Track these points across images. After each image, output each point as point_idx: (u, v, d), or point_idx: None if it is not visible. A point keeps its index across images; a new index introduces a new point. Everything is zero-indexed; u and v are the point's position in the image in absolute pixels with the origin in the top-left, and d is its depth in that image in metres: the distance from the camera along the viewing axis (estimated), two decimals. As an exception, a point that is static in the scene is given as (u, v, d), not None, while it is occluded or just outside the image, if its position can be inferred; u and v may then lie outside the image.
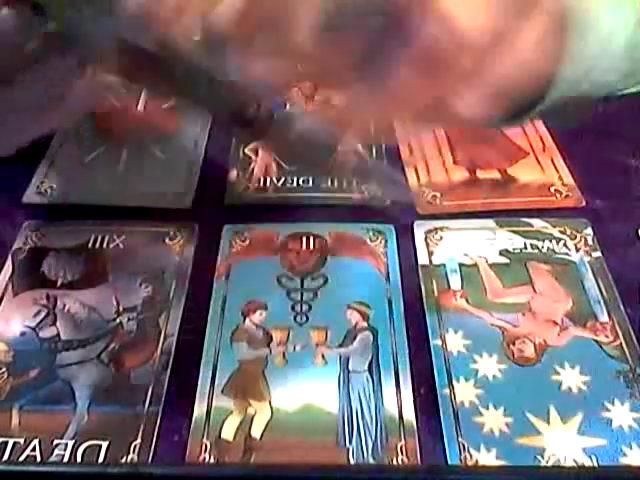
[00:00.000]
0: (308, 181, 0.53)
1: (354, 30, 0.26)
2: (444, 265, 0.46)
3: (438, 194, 0.51)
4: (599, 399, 0.38)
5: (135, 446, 0.36)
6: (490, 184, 0.52)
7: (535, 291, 0.44)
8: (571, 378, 0.39)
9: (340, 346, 0.41)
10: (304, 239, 0.48)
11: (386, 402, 0.38)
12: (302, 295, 0.44)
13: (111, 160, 0.54)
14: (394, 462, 0.36)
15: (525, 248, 0.47)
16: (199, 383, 0.39)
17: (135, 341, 0.42)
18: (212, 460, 0.36)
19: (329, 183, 0.53)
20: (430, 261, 0.47)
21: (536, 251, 0.47)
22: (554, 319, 0.43)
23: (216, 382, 0.39)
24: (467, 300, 0.44)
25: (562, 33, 0.27)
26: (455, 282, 0.45)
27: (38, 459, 0.36)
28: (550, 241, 0.48)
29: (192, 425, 0.37)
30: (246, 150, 0.56)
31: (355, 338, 0.42)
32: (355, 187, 0.52)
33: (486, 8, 0.26)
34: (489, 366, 0.40)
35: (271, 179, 0.53)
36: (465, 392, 0.39)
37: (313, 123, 0.27)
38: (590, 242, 0.48)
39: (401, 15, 0.25)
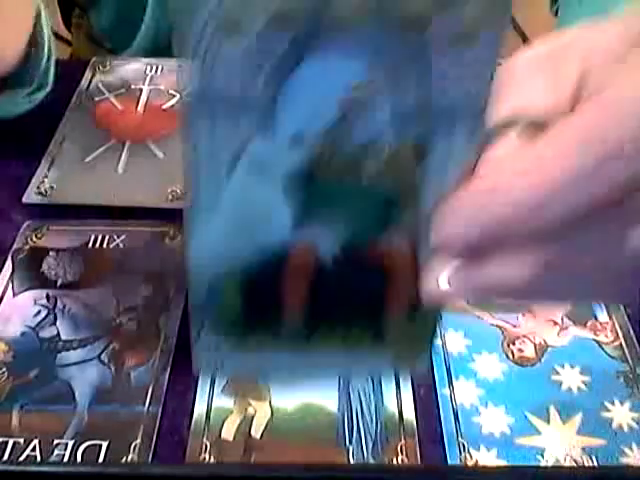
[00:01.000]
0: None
1: None
2: (444, 265, 0.46)
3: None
4: (599, 399, 0.38)
5: (135, 446, 0.36)
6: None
7: (535, 291, 0.44)
8: (571, 378, 0.39)
9: (340, 346, 0.41)
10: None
11: (386, 402, 0.38)
12: (302, 295, 0.44)
13: (111, 160, 0.54)
14: (394, 462, 0.36)
15: (525, 248, 0.47)
16: (199, 383, 0.39)
17: (135, 341, 0.42)
18: (212, 460, 0.36)
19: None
20: (430, 261, 0.46)
21: (536, 251, 0.47)
22: (554, 319, 0.43)
23: (216, 382, 0.39)
24: (467, 300, 0.44)
25: None
26: (455, 282, 0.45)
27: (38, 459, 0.36)
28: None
29: (192, 425, 0.37)
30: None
31: (355, 338, 0.42)
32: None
33: None
34: (489, 366, 0.40)
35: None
36: (465, 392, 0.39)
37: None
38: (590, 242, 0.48)
39: None
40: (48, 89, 0.54)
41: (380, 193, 0.24)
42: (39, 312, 0.43)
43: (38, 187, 0.52)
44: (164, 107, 0.59)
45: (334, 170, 0.23)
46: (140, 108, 0.59)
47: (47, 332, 0.42)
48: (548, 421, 0.37)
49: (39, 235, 0.48)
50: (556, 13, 0.65)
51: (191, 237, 0.24)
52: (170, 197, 0.51)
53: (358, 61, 0.21)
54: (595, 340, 0.42)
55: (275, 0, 0.20)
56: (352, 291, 0.26)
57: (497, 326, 0.42)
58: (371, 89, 0.22)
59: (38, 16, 0.51)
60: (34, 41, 0.51)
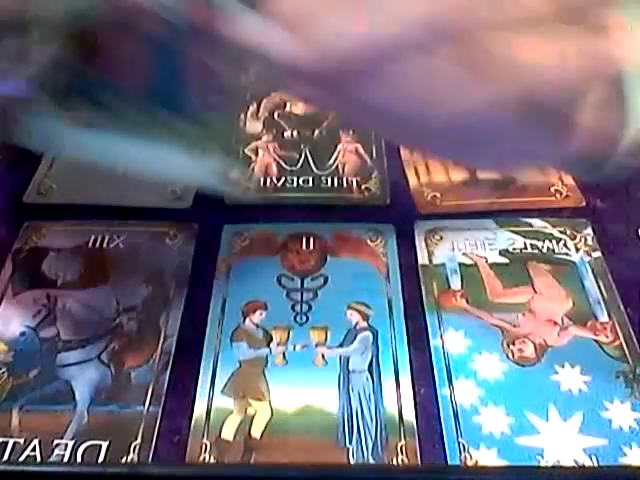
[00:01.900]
0: (308, 181, 0.53)
1: None
2: (444, 265, 0.46)
3: (438, 194, 0.51)
4: (599, 399, 0.38)
5: (135, 446, 0.36)
6: (490, 184, 0.52)
7: (535, 291, 0.44)
8: (571, 378, 0.39)
9: (340, 346, 0.41)
10: (304, 239, 0.48)
11: (386, 402, 0.38)
12: (302, 295, 0.44)
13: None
14: (394, 462, 0.36)
15: (525, 248, 0.47)
16: (199, 383, 0.39)
17: (135, 341, 0.42)
18: (212, 460, 0.36)
19: (329, 183, 0.53)
20: (430, 261, 0.47)
21: (536, 251, 0.47)
22: (554, 319, 0.43)
23: (216, 382, 0.39)
24: (467, 300, 0.44)
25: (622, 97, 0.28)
26: (455, 282, 0.45)
27: (38, 459, 0.36)
28: (550, 241, 0.48)
29: (192, 425, 0.37)
30: (246, 150, 0.56)
31: (355, 338, 0.42)
32: (355, 187, 0.52)
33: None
34: (489, 366, 0.40)
35: (271, 179, 0.53)
36: (465, 392, 0.39)
37: None
38: (590, 242, 0.48)
39: None
40: None
41: None
42: (39, 312, 0.43)
43: (38, 187, 0.52)
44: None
45: None
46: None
47: (47, 332, 0.42)
48: (548, 421, 0.37)
49: (39, 235, 0.48)
50: None
51: None
52: (170, 197, 0.51)
53: None
54: (595, 340, 0.42)
55: None
56: None
57: (497, 326, 0.42)
58: None
59: None
60: None
